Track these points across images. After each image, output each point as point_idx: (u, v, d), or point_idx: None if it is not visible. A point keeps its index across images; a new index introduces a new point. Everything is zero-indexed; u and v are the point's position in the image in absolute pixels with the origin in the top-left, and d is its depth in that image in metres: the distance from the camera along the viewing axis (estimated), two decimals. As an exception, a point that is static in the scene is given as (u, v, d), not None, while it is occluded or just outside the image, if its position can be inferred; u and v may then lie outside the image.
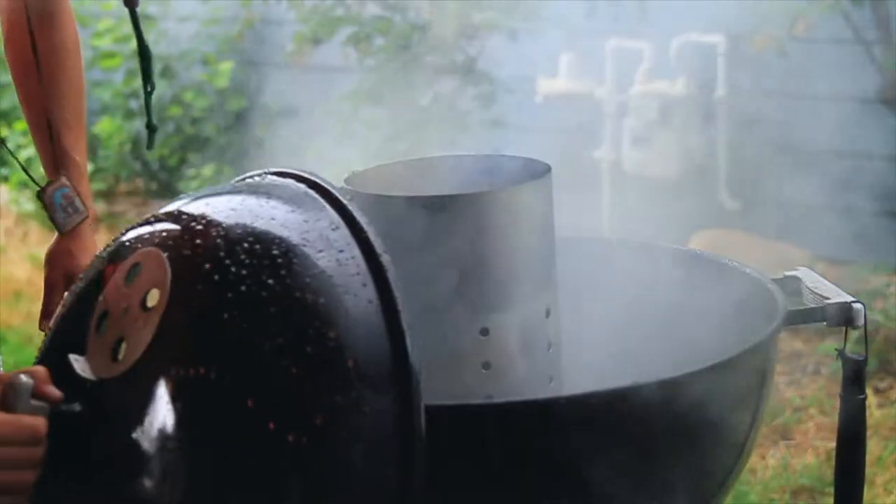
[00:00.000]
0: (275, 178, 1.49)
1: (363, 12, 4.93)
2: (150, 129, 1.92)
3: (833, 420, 1.70)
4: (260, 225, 1.39)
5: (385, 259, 1.35)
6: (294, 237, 1.37)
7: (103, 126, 6.35)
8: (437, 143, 4.44)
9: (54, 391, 1.33)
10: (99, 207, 6.61)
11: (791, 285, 1.77)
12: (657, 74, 5.29)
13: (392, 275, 1.34)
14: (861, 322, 1.68)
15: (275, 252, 1.36)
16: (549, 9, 4.72)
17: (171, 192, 6.74)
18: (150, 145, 1.93)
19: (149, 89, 1.86)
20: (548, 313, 1.64)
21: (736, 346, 1.59)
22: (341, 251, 1.36)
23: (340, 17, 4.88)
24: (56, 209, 1.91)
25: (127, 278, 1.40)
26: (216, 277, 1.35)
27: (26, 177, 1.95)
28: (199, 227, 1.40)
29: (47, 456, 1.31)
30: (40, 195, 1.90)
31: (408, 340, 1.32)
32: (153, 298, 1.36)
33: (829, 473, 3.46)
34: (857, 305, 1.68)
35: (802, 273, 1.78)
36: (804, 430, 3.91)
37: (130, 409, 1.33)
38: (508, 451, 1.42)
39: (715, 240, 4.92)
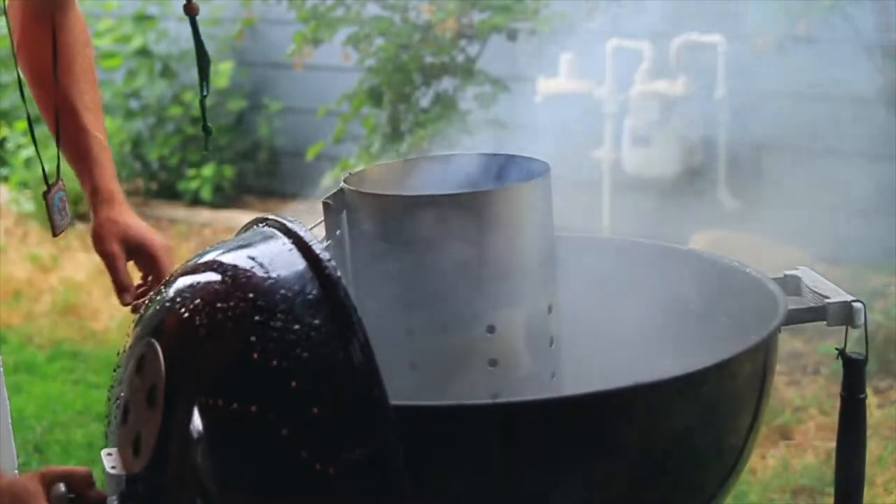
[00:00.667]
0: (262, 229, 1.50)
1: (363, 12, 4.93)
2: (206, 131, 1.95)
3: (833, 420, 1.70)
4: (241, 303, 1.39)
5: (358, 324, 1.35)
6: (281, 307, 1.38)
7: (103, 126, 6.36)
8: (437, 144, 4.44)
9: (96, 494, 1.41)
10: (99, 207, 6.61)
11: (791, 285, 1.77)
12: (657, 74, 5.29)
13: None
14: (861, 321, 1.68)
15: (253, 339, 1.37)
16: (549, 9, 4.72)
17: (171, 193, 6.75)
18: (206, 146, 1.96)
19: (205, 93, 1.88)
20: (549, 309, 1.65)
21: (736, 346, 1.60)
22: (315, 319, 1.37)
23: (340, 17, 4.88)
24: (54, 211, 1.94)
25: (137, 370, 1.45)
26: (206, 364, 1.38)
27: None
28: (187, 311, 1.42)
29: None
30: (45, 195, 1.92)
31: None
32: (155, 394, 1.40)
33: (829, 473, 3.45)
34: (857, 305, 1.68)
35: (802, 272, 1.79)
36: (804, 430, 3.91)
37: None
38: (509, 451, 1.42)
39: (715, 240, 4.92)
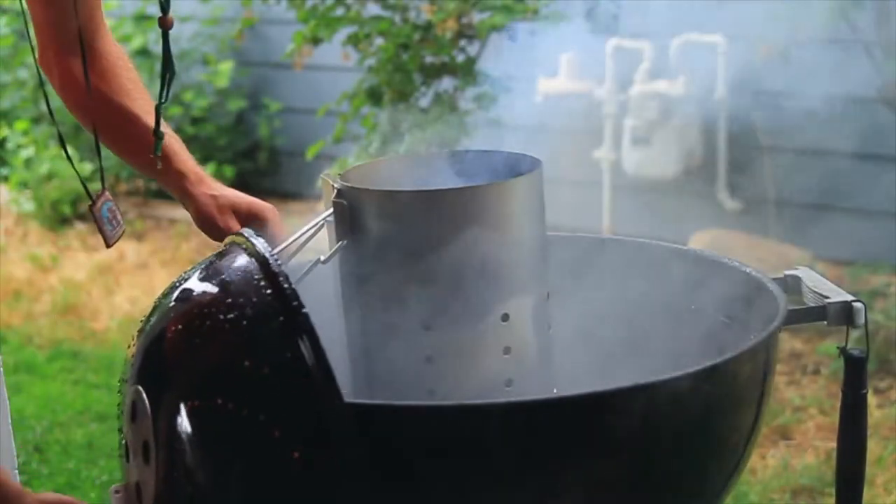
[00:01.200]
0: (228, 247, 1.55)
1: (363, 12, 4.93)
2: (157, 136, 1.95)
3: (833, 420, 1.70)
4: (206, 321, 1.44)
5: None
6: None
7: (103, 126, 6.36)
8: (437, 144, 4.44)
9: None
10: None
11: (791, 285, 1.77)
12: (657, 74, 5.29)
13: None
14: (861, 321, 1.68)
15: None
16: (549, 9, 4.72)
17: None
18: (155, 150, 1.97)
19: (164, 101, 1.91)
20: (548, 296, 1.68)
21: (736, 346, 1.60)
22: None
23: (340, 17, 4.88)
24: (104, 222, 1.94)
25: (132, 419, 1.49)
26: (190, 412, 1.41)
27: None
28: (164, 347, 1.48)
29: None
30: (91, 209, 1.92)
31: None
32: (148, 452, 1.44)
33: (829, 473, 3.46)
34: (858, 304, 1.68)
35: (803, 272, 1.79)
36: (804, 430, 3.91)
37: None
38: (508, 451, 1.42)
39: (715, 240, 4.93)
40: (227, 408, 1.39)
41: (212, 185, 2.03)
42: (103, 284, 5.46)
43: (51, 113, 2.00)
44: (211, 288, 1.48)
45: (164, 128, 1.95)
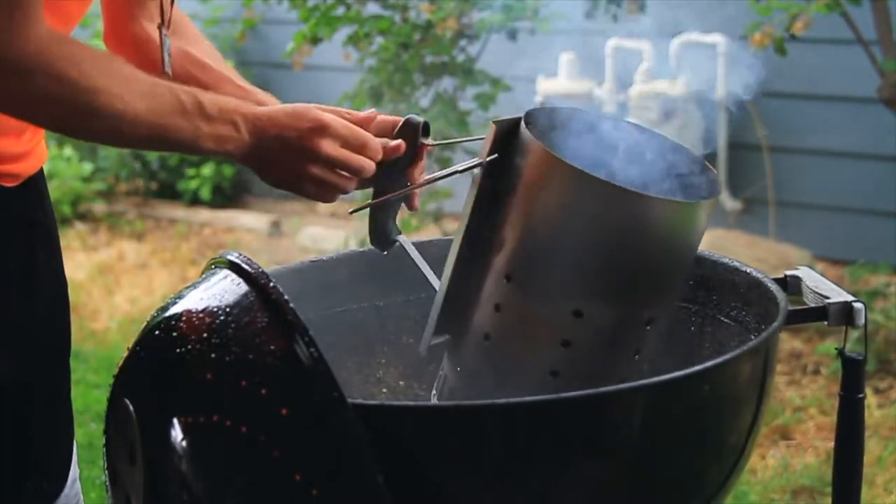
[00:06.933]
0: (213, 270, 1.55)
1: (363, 11, 4.93)
2: None
3: (833, 420, 1.70)
4: (197, 345, 1.44)
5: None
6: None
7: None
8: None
9: None
10: (99, 207, 6.62)
11: (791, 285, 1.77)
12: (657, 74, 5.29)
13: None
14: (861, 321, 1.68)
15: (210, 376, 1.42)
16: (549, 9, 4.72)
17: (171, 193, 6.75)
18: None
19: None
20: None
21: (736, 346, 1.59)
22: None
23: (340, 17, 4.88)
24: (165, 50, 1.88)
25: (116, 432, 1.49)
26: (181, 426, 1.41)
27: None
28: (151, 361, 1.49)
29: None
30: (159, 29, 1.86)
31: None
32: (134, 453, 1.44)
33: (829, 473, 3.44)
34: (858, 305, 1.68)
35: (803, 273, 1.78)
36: (804, 430, 3.91)
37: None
38: (508, 451, 1.42)
39: (715, 240, 4.92)
40: (225, 425, 1.39)
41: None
42: (103, 284, 5.46)
43: None
44: (204, 307, 1.48)
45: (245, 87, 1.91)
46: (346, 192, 1.69)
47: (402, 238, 1.78)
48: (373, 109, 1.76)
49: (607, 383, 1.52)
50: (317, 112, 1.68)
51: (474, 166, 1.64)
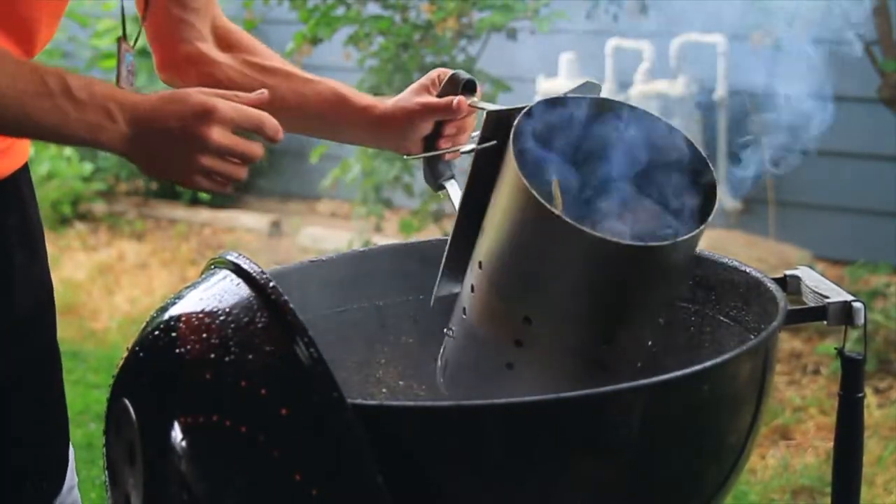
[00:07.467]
0: (212, 270, 1.55)
1: (363, 11, 4.93)
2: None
3: (833, 420, 1.70)
4: (196, 345, 1.44)
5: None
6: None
7: (103, 126, 6.35)
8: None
9: None
10: (99, 207, 6.62)
11: (791, 285, 1.77)
12: (657, 74, 5.29)
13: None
14: (861, 321, 1.68)
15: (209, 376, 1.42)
16: (550, 9, 4.72)
17: (170, 193, 6.75)
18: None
19: None
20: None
21: (736, 346, 1.59)
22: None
23: (340, 17, 4.88)
24: (123, 62, 1.84)
25: (116, 432, 1.48)
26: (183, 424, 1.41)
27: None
28: (151, 362, 1.48)
29: None
30: (120, 41, 1.82)
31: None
32: (134, 453, 1.44)
33: (828, 473, 3.44)
34: (857, 304, 1.68)
35: (802, 272, 1.78)
36: (804, 430, 3.91)
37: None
38: (508, 451, 1.42)
39: (715, 240, 4.93)
40: (225, 425, 1.39)
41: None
42: (103, 284, 5.46)
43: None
44: (203, 307, 1.48)
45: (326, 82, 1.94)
46: (239, 181, 1.58)
47: (449, 184, 1.85)
48: (264, 90, 1.62)
49: (563, 386, 1.53)
50: (200, 96, 1.54)
51: (468, 151, 1.68)
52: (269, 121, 1.57)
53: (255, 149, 1.57)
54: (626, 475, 1.48)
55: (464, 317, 1.68)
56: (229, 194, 1.64)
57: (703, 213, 1.62)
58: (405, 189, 5.00)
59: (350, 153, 5.15)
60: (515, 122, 1.60)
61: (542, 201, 1.54)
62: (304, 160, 5.63)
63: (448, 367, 1.73)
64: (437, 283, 1.72)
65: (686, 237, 1.58)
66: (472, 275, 1.66)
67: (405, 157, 1.89)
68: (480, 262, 1.64)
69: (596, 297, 1.59)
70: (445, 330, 1.73)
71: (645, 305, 1.63)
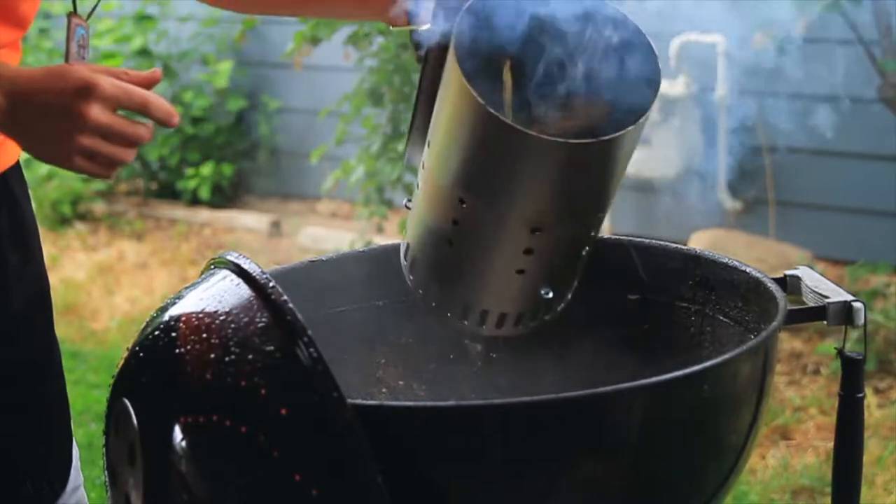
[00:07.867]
0: (212, 270, 1.54)
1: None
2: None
3: (833, 420, 1.70)
4: (196, 345, 1.45)
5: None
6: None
7: (103, 126, 6.36)
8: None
9: None
10: (99, 207, 6.62)
11: (791, 285, 1.77)
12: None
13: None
14: (861, 321, 1.68)
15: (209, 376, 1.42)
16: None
17: (171, 193, 6.75)
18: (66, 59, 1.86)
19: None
20: None
21: (736, 346, 1.59)
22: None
23: (340, 17, 4.87)
24: (74, 39, 1.78)
25: (116, 432, 1.48)
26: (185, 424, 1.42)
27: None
28: (149, 363, 1.48)
29: None
30: (70, 16, 1.73)
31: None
32: (134, 453, 1.44)
33: (829, 473, 3.44)
34: (857, 304, 1.68)
35: (802, 272, 1.78)
36: (804, 430, 3.91)
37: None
38: (508, 451, 1.42)
39: (715, 240, 4.93)
40: (225, 425, 1.39)
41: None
42: (103, 284, 5.46)
43: None
44: (203, 307, 1.48)
45: None
46: (123, 164, 1.50)
47: None
48: (156, 68, 1.55)
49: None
50: (83, 72, 1.46)
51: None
52: (157, 101, 1.48)
53: (141, 130, 1.48)
54: (625, 475, 1.48)
55: (417, 191, 1.69)
56: (110, 179, 1.58)
57: (642, 108, 1.59)
58: (406, 189, 5.00)
59: (351, 154, 5.15)
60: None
61: (474, 92, 1.52)
62: (304, 160, 5.63)
63: (410, 248, 1.73)
64: (406, 151, 1.74)
65: (621, 133, 1.54)
66: (424, 152, 1.66)
67: (391, 28, 1.78)
68: (429, 142, 1.64)
69: (523, 184, 1.57)
70: (405, 202, 1.75)
71: (571, 197, 1.61)
